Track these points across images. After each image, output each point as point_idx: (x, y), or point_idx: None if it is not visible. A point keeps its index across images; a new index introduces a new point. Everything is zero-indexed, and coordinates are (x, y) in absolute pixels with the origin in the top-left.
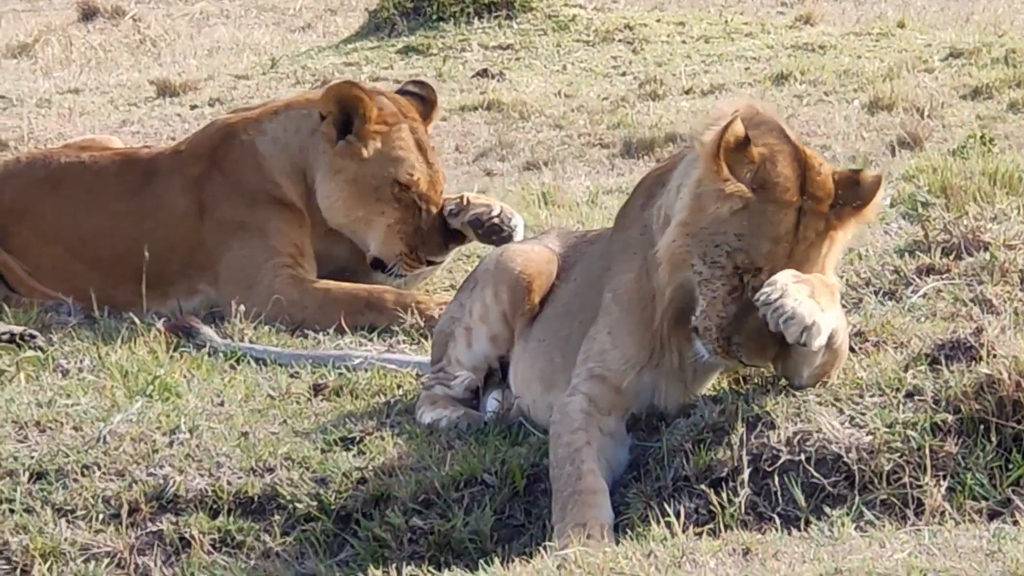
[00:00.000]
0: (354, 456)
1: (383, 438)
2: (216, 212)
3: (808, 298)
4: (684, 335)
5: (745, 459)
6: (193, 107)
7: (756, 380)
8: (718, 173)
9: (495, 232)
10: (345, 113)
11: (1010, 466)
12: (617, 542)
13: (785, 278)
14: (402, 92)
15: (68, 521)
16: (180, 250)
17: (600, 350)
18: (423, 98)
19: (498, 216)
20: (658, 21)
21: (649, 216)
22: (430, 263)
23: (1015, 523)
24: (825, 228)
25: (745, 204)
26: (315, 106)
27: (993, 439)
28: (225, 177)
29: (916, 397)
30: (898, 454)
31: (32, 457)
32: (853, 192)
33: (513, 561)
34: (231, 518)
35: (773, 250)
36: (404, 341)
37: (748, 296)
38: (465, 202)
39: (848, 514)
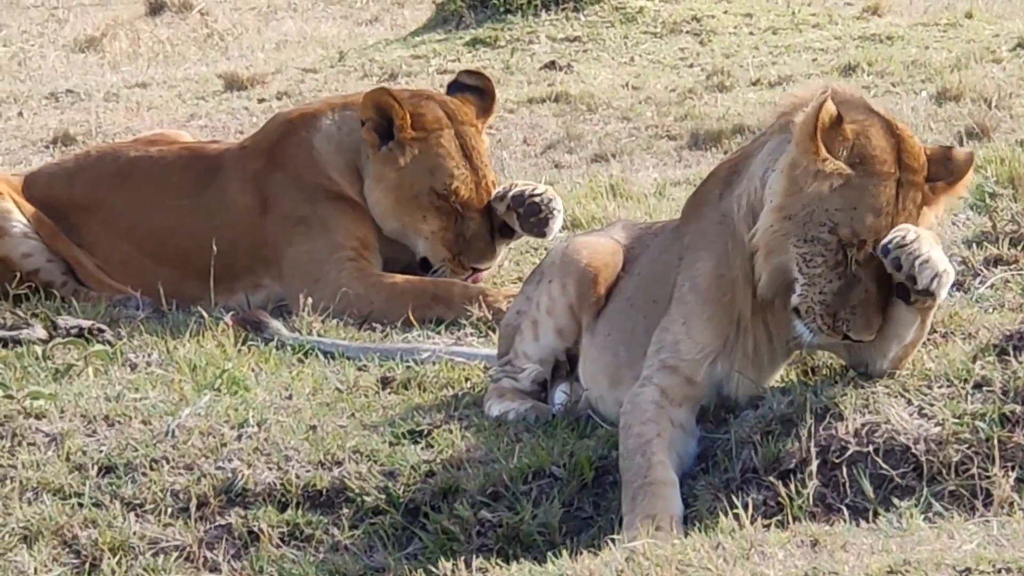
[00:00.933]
0: (422, 449)
1: (451, 431)
2: (277, 208)
3: (936, 246)
4: (762, 321)
5: (813, 450)
6: (261, 101)
7: (824, 371)
8: (816, 153)
9: (534, 212)
10: (385, 118)
11: None
12: (686, 534)
13: (911, 228)
14: (456, 86)
15: (137, 515)
16: (244, 246)
17: (674, 340)
18: (481, 90)
19: (539, 196)
20: (725, 12)
21: (728, 205)
22: (475, 269)
23: None
24: (921, 200)
25: (845, 181)
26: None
27: None
28: (284, 173)
29: (984, 388)
30: (966, 445)
31: (101, 451)
32: (945, 167)
33: (581, 554)
34: (299, 511)
35: (876, 223)
36: (471, 334)
37: (852, 270)
38: (510, 185)
39: (916, 505)
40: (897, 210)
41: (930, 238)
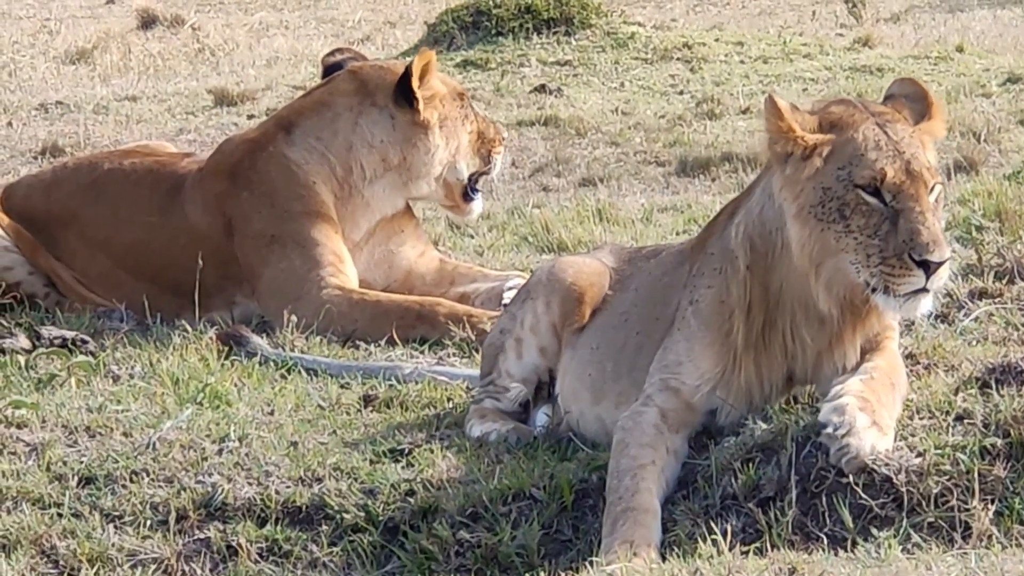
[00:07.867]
0: (403, 468)
1: (432, 451)
2: (246, 228)
3: (870, 427)
4: (754, 360)
5: (793, 479)
6: (250, 117)
7: (805, 400)
8: (793, 135)
9: None
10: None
11: None
12: (664, 560)
13: (852, 407)
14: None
15: (116, 527)
16: (211, 265)
17: (676, 361)
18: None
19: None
20: (717, 40)
21: (728, 234)
22: None
23: None
24: (914, 132)
25: (831, 145)
26: (357, 97)
27: None
28: (251, 192)
29: (966, 420)
30: (947, 477)
31: (81, 462)
32: (915, 110)
33: None
34: (279, 527)
35: (881, 154)
36: (455, 354)
37: (891, 205)
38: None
39: (895, 536)
40: (895, 140)
41: (863, 422)
